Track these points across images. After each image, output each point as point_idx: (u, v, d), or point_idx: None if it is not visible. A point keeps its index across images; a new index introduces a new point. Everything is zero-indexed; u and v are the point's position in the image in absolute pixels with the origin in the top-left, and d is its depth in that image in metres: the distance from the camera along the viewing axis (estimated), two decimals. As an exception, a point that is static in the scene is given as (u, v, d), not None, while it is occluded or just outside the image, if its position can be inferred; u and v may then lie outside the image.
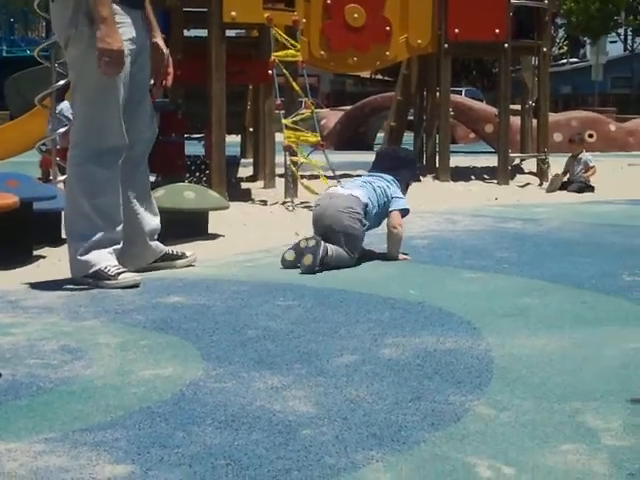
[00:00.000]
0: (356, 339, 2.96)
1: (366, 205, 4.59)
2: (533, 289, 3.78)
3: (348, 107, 18.24)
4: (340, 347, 2.86)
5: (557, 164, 9.51)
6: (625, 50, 49.71)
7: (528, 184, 9.46)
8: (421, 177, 9.54)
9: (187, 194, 5.28)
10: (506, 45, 9.22)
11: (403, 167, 4.97)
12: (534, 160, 10.14)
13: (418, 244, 5.03)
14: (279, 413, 2.24)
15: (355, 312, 3.36)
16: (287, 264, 4.34)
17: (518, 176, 9.95)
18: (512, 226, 5.79)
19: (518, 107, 11.13)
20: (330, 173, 7.37)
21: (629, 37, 47.89)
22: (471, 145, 18.12)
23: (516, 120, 11.07)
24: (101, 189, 4.12)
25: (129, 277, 4.06)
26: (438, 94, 9.57)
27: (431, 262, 4.48)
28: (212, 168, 7.24)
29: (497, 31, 9.13)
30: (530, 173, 10.25)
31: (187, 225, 5.23)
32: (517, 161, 10.51)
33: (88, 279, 4.05)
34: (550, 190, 8.94)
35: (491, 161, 10.37)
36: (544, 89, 10.05)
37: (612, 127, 16.66)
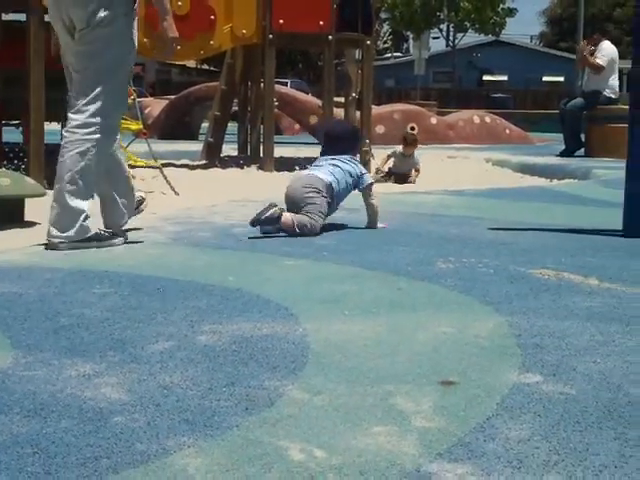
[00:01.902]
0: (172, 326, 2.93)
1: (330, 184, 5.21)
2: (351, 276, 3.82)
3: (173, 96, 18.07)
4: (156, 334, 2.83)
5: (379, 156, 9.65)
6: (447, 46, 50.90)
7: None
8: (245, 167, 9.57)
9: (2, 180, 5.13)
10: (330, 37, 9.30)
11: (353, 143, 5.75)
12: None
13: (240, 232, 5.01)
14: (90, 401, 2.19)
15: (173, 299, 3.32)
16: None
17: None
18: (334, 215, 5.82)
19: (342, 99, 11.25)
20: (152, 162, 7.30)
21: (451, 33, 49.03)
22: (297, 136, 18.23)
23: (340, 112, 11.18)
24: (102, 161, 4.59)
25: (120, 237, 4.64)
26: (263, 85, 9.59)
27: (251, 249, 4.47)
28: (30, 155, 7.05)
29: (321, 23, 9.22)
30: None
31: (2, 212, 5.08)
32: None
33: (89, 242, 4.49)
34: (379, 180, 9.06)
35: (316, 152, 10.43)
36: (367, 82, 10.18)
37: (433, 120, 17.02)
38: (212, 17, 8.86)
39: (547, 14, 71.09)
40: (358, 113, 10.53)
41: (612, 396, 2.30)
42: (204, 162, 10.37)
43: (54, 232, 4.45)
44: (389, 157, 9.59)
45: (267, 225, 4.91)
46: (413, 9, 44.74)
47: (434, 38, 50.91)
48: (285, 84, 25.49)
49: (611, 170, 9.35)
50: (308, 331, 2.90)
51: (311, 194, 5.12)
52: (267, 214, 4.84)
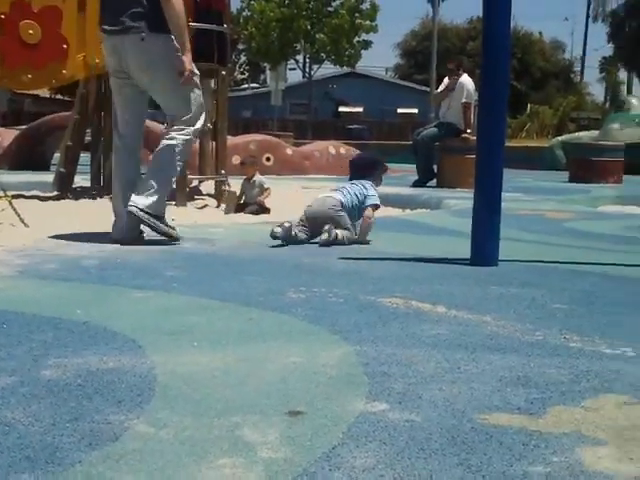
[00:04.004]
0: (15, 361, 2.86)
1: (341, 203, 6.24)
2: (201, 307, 3.79)
3: (25, 127, 17.71)
4: (-2, 369, 2.75)
5: (236, 186, 9.64)
6: (303, 77, 51.36)
7: (206, 206, 9.55)
8: (98, 198, 9.45)
9: None
10: (184, 67, 9.24)
11: (373, 169, 6.69)
12: (213, 182, 10.25)
13: (88, 264, 4.94)
14: None
15: (17, 333, 3.23)
16: (277, 235, 5.90)
17: (197, 198, 10.03)
18: (186, 246, 5.80)
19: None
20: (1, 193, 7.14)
21: (307, 64, 49.50)
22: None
23: (195, 142, 11.13)
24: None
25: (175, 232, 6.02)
26: (116, 114, 9.47)
27: (100, 282, 4.40)
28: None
29: (176, 53, 9.15)
30: (208, 195, 10.34)
31: None
32: (195, 183, 10.58)
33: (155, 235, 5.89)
34: (228, 212, 9.05)
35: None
36: (222, 112, 10.18)
37: (289, 151, 17.11)
38: (64, 46, 8.73)
39: (402, 47, 72.49)
40: (213, 143, 10.51)
41: (456, 422, 2.34)
42: (56, 193, 10.20)
43: (128, 231, 5.95)
44: (242, 189, 9.60)
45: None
46: (269, 40, 45.03)
47: (291, 69, 51.39)
48: (141, 114, 25.30)
49: (462, 200, 9.56)
50: (155, 363, 2.86)
51: (339, 212, 6.20)
52: (331, 238, 5.98)
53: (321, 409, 2.42)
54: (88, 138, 11.05)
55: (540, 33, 71.35)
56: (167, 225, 5.94)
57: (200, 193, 10.51)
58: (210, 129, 10.58)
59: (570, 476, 2.00)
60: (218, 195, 9.94)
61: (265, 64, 55.19)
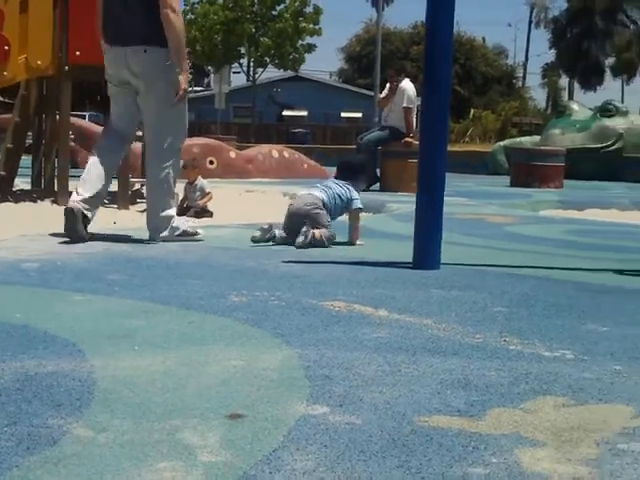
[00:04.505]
0: (-47, 365, 2.83)
1: (322, 200, 6.38)
2: (142, 311, 3.77)
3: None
4: None
5: (179, 190, 9.60)
6: (248, 80, 51.30)
7: (148, 209, 9.46)
8: (39, 201, 9.36)
9: None
10: (126, 70, 9.18)
11: (358, 173, 6.85)
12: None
13: (28, 267, 4.88)
14: None
15: (-46, 337, 3.20)
16: (257, 239, 6.20)
17: (139, 201, 9.96)
18: (127, 249, 5.76)
19: (141, 133, 11.10)
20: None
21: (251, 68, 49.45)
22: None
23: (138, 145, 11.06)
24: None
25: (200, 232, 6.53)
26: (58, 117, 9.40)
27: (40, 285, 4.35)
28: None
29: (117, 55, 9.08)
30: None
31: None
32: (137, 186, 10.51)
33: (180, 237, 6.31)
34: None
35: (112, 186, 10.30)
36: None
37: (232, 154, 17.04)
38: (6, 47, 8.62)
39: (346, 51, 72.71)
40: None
41: (396, 425, 2.35)
42: (-4, 196, 10.05)
43: (154, 235, 6.30)
44: (184, 192, 9.55)
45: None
46: (214, 44, 44.94)
47: (235, 73, 51.34)
48: (83, 117, 25.15)
49: (404, 204, 9.60)
50: (95, 367, 2.84)
51: (316, 210, 6.31)
52: (308, 240, 6.10)
53: (262, 412, 2.42)
54: (29, 141, 10.93)
55: (483, 39, 72.06)
56: (189, 232, 6.44)
57: (142, 196, 10.43)
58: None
59: (509, 477, 2.01)
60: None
61: (209, 67, 55.07)
